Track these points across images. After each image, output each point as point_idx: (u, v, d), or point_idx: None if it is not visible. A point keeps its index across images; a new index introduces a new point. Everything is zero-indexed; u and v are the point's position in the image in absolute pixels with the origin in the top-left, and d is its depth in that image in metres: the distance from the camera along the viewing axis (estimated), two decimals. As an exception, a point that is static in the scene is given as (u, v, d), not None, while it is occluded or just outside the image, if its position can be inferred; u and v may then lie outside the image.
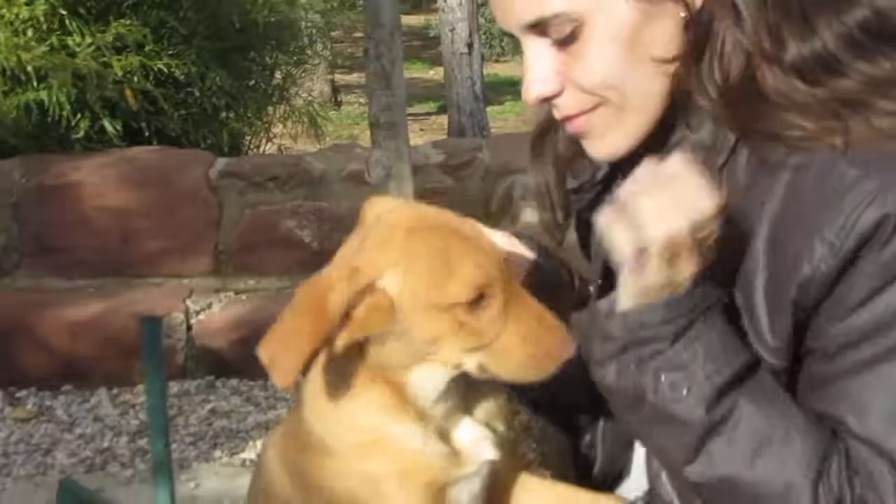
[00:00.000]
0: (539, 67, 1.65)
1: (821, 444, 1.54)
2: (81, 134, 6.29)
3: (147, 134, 6.50)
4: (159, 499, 3.79)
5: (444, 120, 13.23)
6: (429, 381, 1.62)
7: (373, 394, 1.63)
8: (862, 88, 1.56)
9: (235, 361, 5.35)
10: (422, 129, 13.34)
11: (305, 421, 1.71)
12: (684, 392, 1.54)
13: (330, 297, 1.54)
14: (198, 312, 5.48)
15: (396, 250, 1.56)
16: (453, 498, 1.68)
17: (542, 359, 1.58)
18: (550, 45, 1.63)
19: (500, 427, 1.73)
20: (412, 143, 6.32)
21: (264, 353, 1.59)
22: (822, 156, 1.54)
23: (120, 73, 6.23)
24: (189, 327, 5.42)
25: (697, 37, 1.60)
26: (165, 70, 6.36)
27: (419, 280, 1.55)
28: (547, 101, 1.67)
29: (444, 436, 1.67)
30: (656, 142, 1.68)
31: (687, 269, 1.52)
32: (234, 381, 5.33)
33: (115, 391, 5.26)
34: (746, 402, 1.54)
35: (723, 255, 1.56)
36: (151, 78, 6.37)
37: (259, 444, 4.69)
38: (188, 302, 5.51)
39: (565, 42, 1.61)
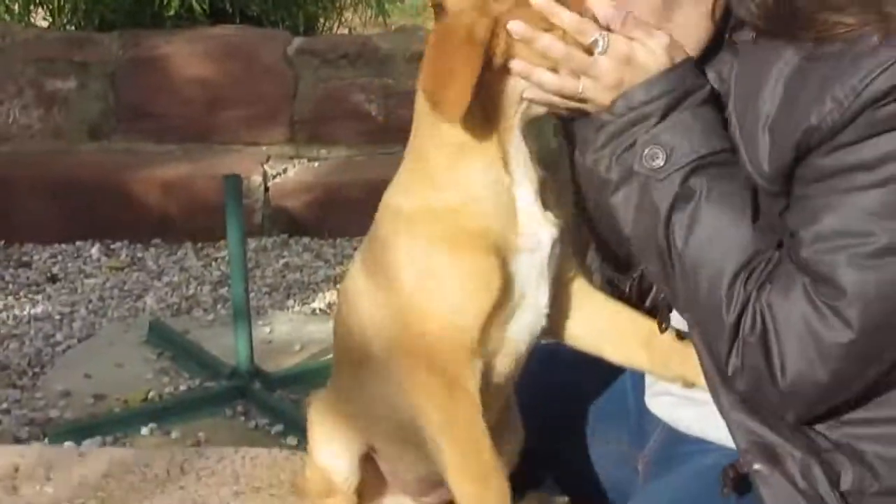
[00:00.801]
0: None
1: (759, 245, 1.59)
2: (173, 12, 6.18)
3: (231, 13, 6.39)
4: (239, 340, 3.81)
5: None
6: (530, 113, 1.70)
7: (481, 151, 1.69)
8: None
9: (307, 221, 5.35)
10: None
11: (387, 196, 1.77)
12: (663, 162, 1.59)
13: (475, 29, 1.58)
14: (274, 176, 5.44)
15: None
16: (514, 269, 1.72)
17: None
18: None
19: (559, 216, 1.77)
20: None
21: (426, 93, 1.62)
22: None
23: (206, -42, 6.11)
24: (266, 189, 5.39)
25: None
26: (249, -46, 6.23)
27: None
28: None
29: (511, 206, 1.72)
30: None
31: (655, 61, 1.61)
32: (305, 239, 5.30)
33: (199, 245, 5.25)
34: (713, 186, 1.59)
35: (740, 89, 1.62)
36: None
37: (328, 295, 4.70)
38: (266, 166, 5.47)
39: None
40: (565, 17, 1.62)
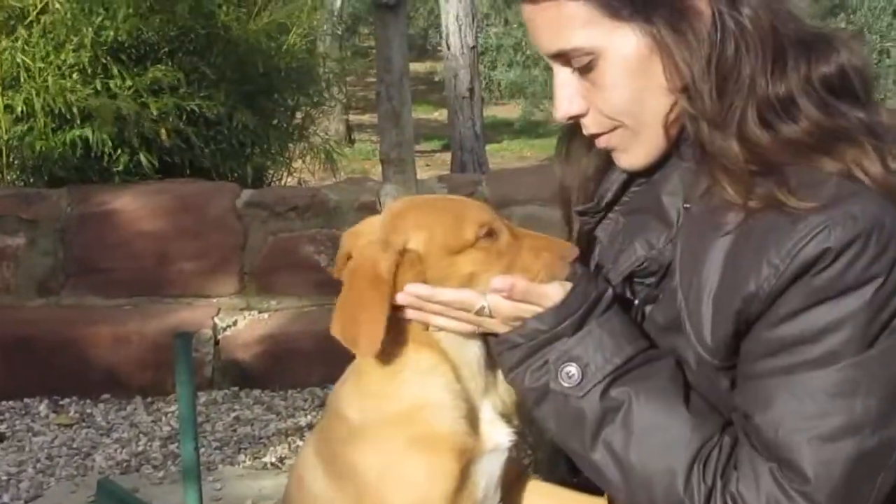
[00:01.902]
0: (564, 90, 1.69)
1: (705, 433, 1.56)
2: (121, 167, 6.27)
3: (180, 165, 6.48)
4: (188, 498, 3.76)
5: (447, 157, 13.22)
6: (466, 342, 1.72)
7: (418, 362, 1.70)
8: (810, 134, 1.56)
9: (258, 373, 5.35)
10: (427, 165, 13.33)
11: (339, 408, 1.75)
12: (579, 379, 1.59)
13: (379, 266, 1.61)
14: (225, 328, 5.46)
15: (412, 220, 1.68)
16: (472, 478, 1.70)
17: (557, 262, 1.67)
18: (572, 72, 1.67)
19: (515, 420, 1.77)
20: (419, 176, 6.33)
21: (340, 334, 1.63)
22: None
23: (156, 113, 6.22)
24: (217, 342, 5.39)
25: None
26: (197, 110, 6.35)
27: (437, 233, 1.66)
28: (574, 119, 1.72)
29: (470, 414, 1.72)
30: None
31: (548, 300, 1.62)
32: (256, 392, 5.31)
33: (149, 400, 5.24)
34: (638, 390, 1.58)
35: (684, 264, 1.61)
36: (184, 117, 6.36)
37: (279, 449, 4.67)
38: (216, 319, 5.50)
39: (585, 70, 1.65)
40: (447, 297, 1.64)
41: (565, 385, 1.60)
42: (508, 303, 1.62)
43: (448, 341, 1.71)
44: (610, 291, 1.65)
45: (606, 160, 1.81)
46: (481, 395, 1.74)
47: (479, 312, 1.64)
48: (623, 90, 1.63)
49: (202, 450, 4.34)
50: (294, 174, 7.90)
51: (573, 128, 1.81)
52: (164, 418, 5.05)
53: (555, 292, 1.63)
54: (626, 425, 1.57)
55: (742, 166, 1.57)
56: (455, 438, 1.67)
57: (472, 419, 1.71)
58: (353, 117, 16.39)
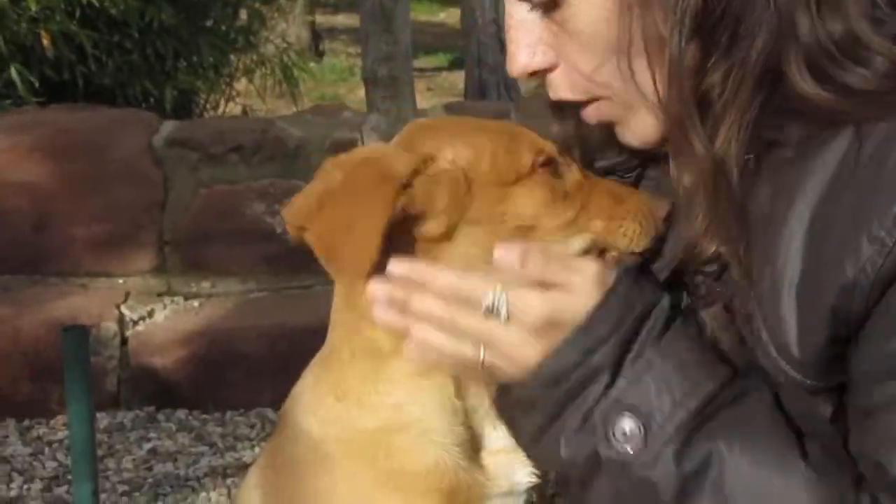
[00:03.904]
0: (521, 34, 1.71)
1: (831, 496, 1.56)
2: (-17, 87, 6.32)
3: (70, 88, 6.52)
4: (82, 566, 3.83)
5: (458, 77, 13.26)
6: None
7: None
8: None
9: (183, 388, 5.41)
10: (429, 89, 13.40)
11: (295, 418, 1.79)
12: (642, 438, 1.58)
13: (391, 164, 1.64)
14: (136, 322, 5.52)
15: (447, 132, 1.71)
16: None
17: (648, 215, 1.72)
18: (531, 9, 1.69)
19: None
20: (419, 104, 6.36)
21: (318, 245, 1.65)
22: (889, 124, 1.56)
23: (35, 9, 6.25)
24: (124, 341, 5.45)
25: None
26: (96, 4, 6.37)
27: (486, 149, 1.69)
28: (536, 75, 1.73)
29: (471, 442, 1.75)
30: None
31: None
32: (180, 414, 5.36)
33: (26, 423, 5.28)
34: (728, 443, 1.58)
35: (753, 244, 1.62)
36: (77, 16, 6.39)
37: (213, 495, 4.73)
38: (123, 308, 5.55)
39: (548, 6, 1.67)
40: (442, 281, 1.62)
41: (623, 449, 1.59)
42: (530, 295, 1.60)
43: None
44: (666, 300, 1.63)
45: None
46: (489, 414, 1.76)
47: (490, 312, 1.61)
48: (604, 37, 1.65)
49: (103, 496, 4.40)
50: (237, 100, 7.95)
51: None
52: (47, 450, 5.08)
53: (588, 297, 1.61)
54: (718, 494, 1.58)
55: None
56: (440, 477, 1.71)
57: (472, 448, 1.75)
58: (322, 18, 16.44)
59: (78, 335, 3.89)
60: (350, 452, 1.73)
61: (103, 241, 5.78)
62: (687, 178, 1.66)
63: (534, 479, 1.76)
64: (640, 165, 1.85)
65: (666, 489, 1.58)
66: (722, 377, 1.60)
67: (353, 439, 1.73)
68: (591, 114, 1.74)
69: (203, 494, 4.77)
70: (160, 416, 5.36)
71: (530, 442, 1.65)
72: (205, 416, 5.34)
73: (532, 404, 1.62)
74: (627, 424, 1.58)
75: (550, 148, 1.72)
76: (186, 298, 5.73)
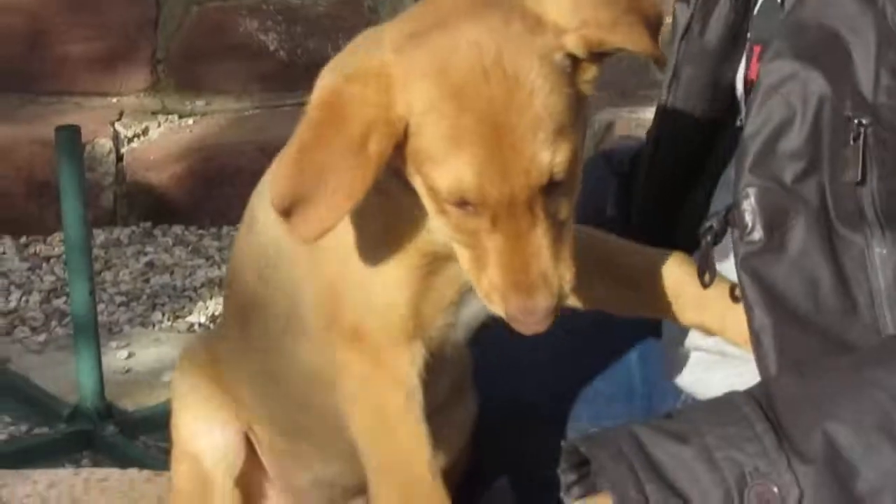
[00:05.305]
0: None
1: None
2: None
3: None
4: (82, 369, 3.90)
5: None
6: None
7: None
8: None
9: (179, 203, 5.49)
10: None
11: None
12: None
13: (368, 144, 1.60)
14: (131, 139, 5.57)
15: (434, 85, 1.60)
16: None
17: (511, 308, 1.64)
18: None
19: None
20: None
21: (286, 188, 1.65)
22: None
23: None
24: (120, 158, 5.51)
25: None
26: None
27: (422, 139, 1.61)
28: None
29: None
30: None
31: None
32: (177, 229, 5.46)
33: (22, 241, 5.36)
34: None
35: None
36: None
37: (210, 304, 4.83)
38: (118, 126, 5.60)
39: None
40: None
41: None
42: None
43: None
44: (637, 426, 1.62)
45: None
46: None
47: None
48: None
49: (101, 307, 4.48)
50: None
51: None
52: (45, 265, 5.18)
53: None
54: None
55: None
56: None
57: None
58: None
59: (70, 133, 3.95)
60: None
61: (97, 60, 5.82)
62: None
63: None
64: None
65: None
66: (742, 396, 1.61)
67: None
68: None
69: (200, 304, 4.88)
70: (157, 232, 5.44)
71: None
72: (201, 230, 5.43)
73: None
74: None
75: (470, 195, 1.60)
76: (181, 117, 5.77)
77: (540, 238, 1.58)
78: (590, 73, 1.61)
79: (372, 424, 1.84)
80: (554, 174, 1.55)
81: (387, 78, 1.59)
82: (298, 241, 1.69)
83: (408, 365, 1.81)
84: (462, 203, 1.58)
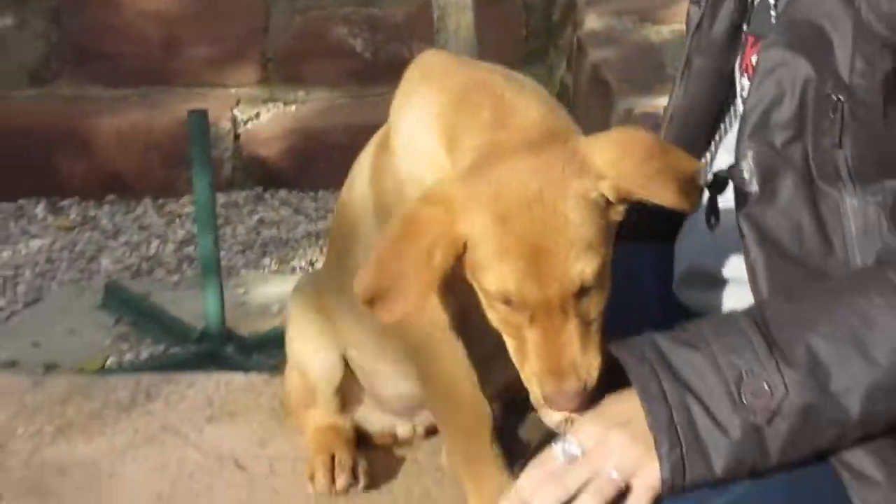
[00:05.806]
0: None
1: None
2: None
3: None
4: (208, 300, 3.97)
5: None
6: None
7: None
8: None
9: (284, 172, 5.55)
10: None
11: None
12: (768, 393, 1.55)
13: (434, 256, 1.61)
14: (245, 122, 5.63)
15: (488, 212, 1.59)
16: None
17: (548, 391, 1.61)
18: None
19: None
20: None
21: (369, 286, 1.65)
22: None
23: None
24: (237, 136, 5.58)
25: None
26: None
27: (477, 253, 1.61)
28: None
29: None
30: None
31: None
32: (282, 193, 5.52)
33: (160, 201, 5.45)
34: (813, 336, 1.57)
35: None
36: None
37: (309, 252, 4.89)
38: (235, 111, 5.66)
39: None
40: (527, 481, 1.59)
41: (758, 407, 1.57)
42: (594, 423, 1.60)
43: None
44: (657, 336, 1.63)
45: None
46: None
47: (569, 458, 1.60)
48: None
49: (222, 254, 4.52)
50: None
51: None
52: (178, 220, 5.27)
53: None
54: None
55: None
56: None
57: None
58: None
59: (200, 118, 4.00)
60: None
61: (219, 59, 5.88)
62: None
63: None
64: None
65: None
66: (754, 311, 1.62)
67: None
68: None
69: (300, 251, 4.94)
70: (266, 195, 5.52)
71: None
72: (301, 193, 5.50)
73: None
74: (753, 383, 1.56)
75: (512, 294, 1.59)
76: (285, 104, 5.82)
77: (571, 332, 1.57)
78: (621, 208, 1.61)
79: (423, 354, 1.89)
80: (583, 282, 1.55)
81: (451, 203, 1.59)
82: (380, 321, 1.69)
83: (441, 312, 1.85)
84: (507, 301, 1.58)
